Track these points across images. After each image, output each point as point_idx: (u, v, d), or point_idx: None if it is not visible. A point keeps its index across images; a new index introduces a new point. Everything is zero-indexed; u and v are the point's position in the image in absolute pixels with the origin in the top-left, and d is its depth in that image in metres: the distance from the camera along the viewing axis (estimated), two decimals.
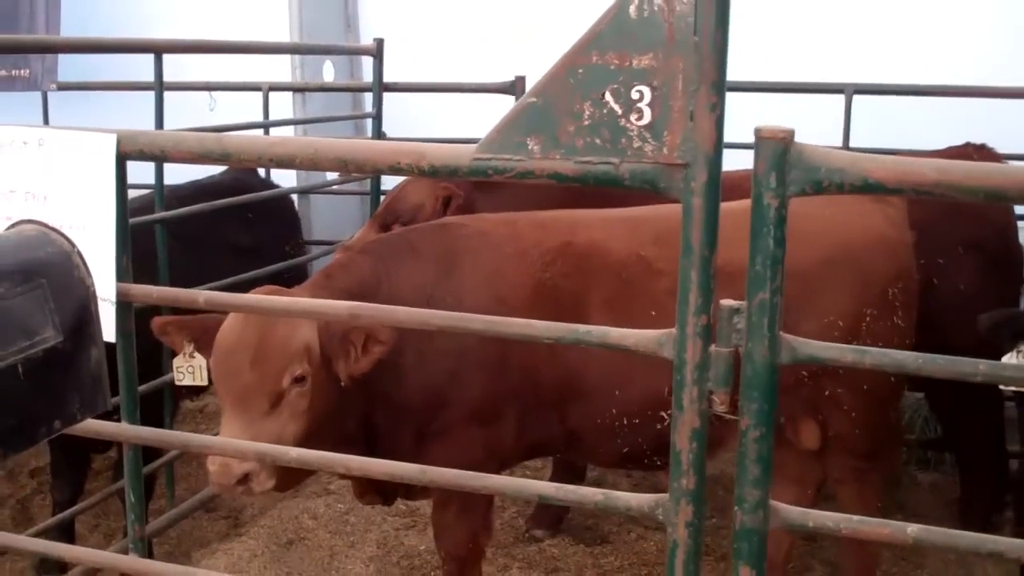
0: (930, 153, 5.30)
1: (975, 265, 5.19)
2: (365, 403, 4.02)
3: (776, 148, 1.90)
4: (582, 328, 2.20)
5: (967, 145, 5.38)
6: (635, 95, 1.95)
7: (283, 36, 8.01)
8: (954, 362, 1.93)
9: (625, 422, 4.14)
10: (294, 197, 7.14)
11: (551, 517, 5.74)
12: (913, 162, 1.86)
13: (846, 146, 5.79)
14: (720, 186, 1.96)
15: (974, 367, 1.92)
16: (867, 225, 4.30)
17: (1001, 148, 5.50)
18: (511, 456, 4.35)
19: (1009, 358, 3.70)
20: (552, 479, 5.66)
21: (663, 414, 3.99)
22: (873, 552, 4.66)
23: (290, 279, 5.45)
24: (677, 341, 2.02)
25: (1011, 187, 1.78)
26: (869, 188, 1.88)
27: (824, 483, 4.65)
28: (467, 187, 5.44)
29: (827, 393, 4.22)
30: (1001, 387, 3.64)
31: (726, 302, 2.02)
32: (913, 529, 2.01)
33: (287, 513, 5.92)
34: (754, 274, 1.95)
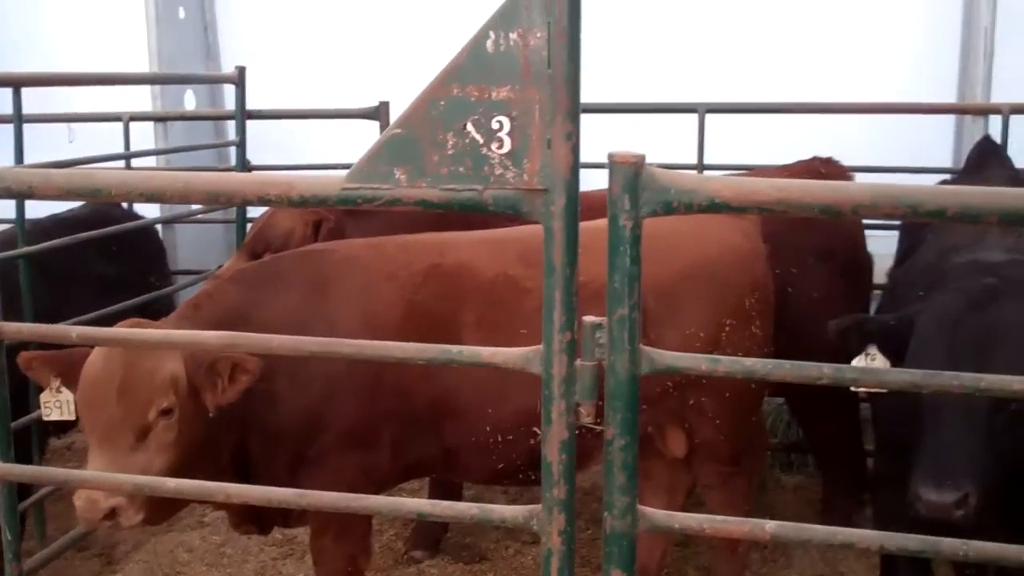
0: (781, 168, 5.55)
1: (826, 273, 5.40)
2: (237, 432, 4.02)
3: (628, 172, 2.02)
4: (454, 348, 2.28)
5: (815, 159, 5.60)
6: (495, 125, 2.05)
7: (143, 66, 7.93)
8: (799, 366, 2.07)
9: (499, 439, 4.22)
10: (159, 227, 7.06)
11: (429, 538, 5.79)
12: (755, 182, 1.99)
13: (700, 163, 5.99)
14: (579, 208, 2.06)
15: (819, 371, 2.05)
16: (723, 239, 4.48)
17: (847, 161, 5.75)
18: (388, 478, 4.39)
19: (858, 361, 3.87)
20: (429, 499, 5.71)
21: (535, 429, 4.08)
22: (743, 554, 4.83)
23: (157, 311, 5.40)
24: (544, 357, 2.12)
25: (843, 203, 1.93)
26: (716, 207, 2.01)
27: (693, 489, 4.81)
28: (337, 212, 5.46)
29: (692, 402, 4.37)
30: (853, 389, 3.81)
31: (588, 318, 2.13)
32: (771, 525, 2.14)
33: (162, 548, 5.85)
34: (613, 291, 2.05)
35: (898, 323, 3.87)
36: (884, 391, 3.74)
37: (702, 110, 6.06)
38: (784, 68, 7.33)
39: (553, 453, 2.16)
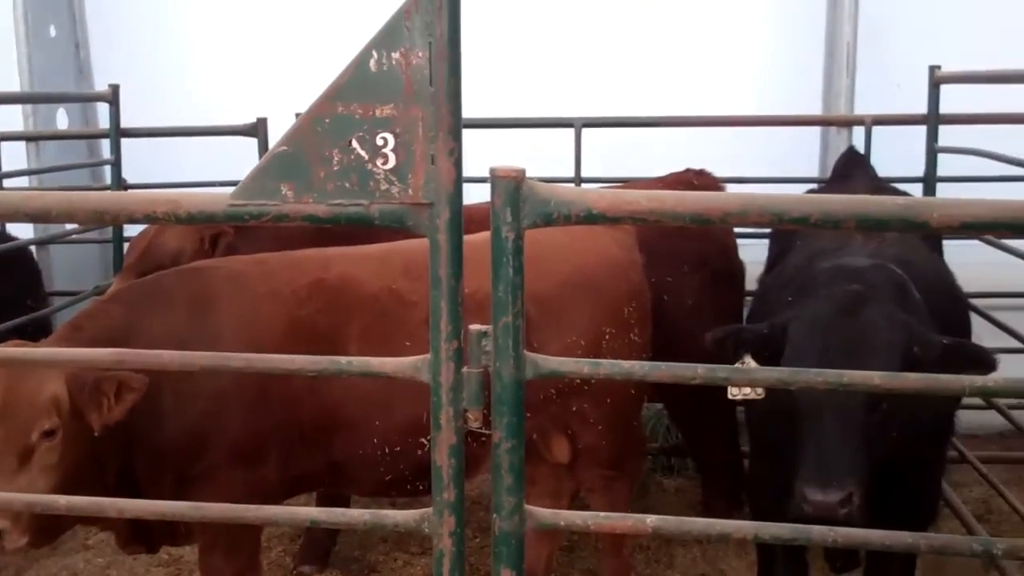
0: (656, 179, 5.72)
1: (701, 281, 5.57)
2: (123, 451, 4.00)
3: (510, 186, 2.10)
4: (344, 359, 2.34)
5: (688, 171, 5.78)
6: (380, 142, 2.12)
7: (13, 84, 7.77)
8: (674, 367, 2.18)
9: (387, 450, 4.27)
10: (32, 248, 6.93)
11: (318, 552, 5.79)
12: (630, 193, 2.10)
13: (578, 176, 6.14)
14: (463, 221, 2.15)
15: (693, 371, 2.17)
16: (601, 250, 4.61)
17: (719, 172, 5.94)
18: (276, 493, 4.40)
19: None
20: None
21: (423, 440, 4.14)
22: (627, 555, 4.96)
23: (34, 332, 5.31)
24: (432, 365, 2.19)
25: (713, 212, 2.05)
26: (593, 219, 2.11)
27: (578, 493, 4.92)
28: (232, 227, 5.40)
29: (574, 409, 4.49)
30: (730, 396, 3.93)
31: (475, 327, 2.21)
32: (652, 519, 2.25)
33: (44, 572, 5.75)
34: (497, 300, 2.14)
35: (771, 331, 4.01)
36: (759, 397, 3.90)
37: (578, 125, 6.20)
38: (658, 83, 7.52)
39: (443, 458, 2.24)
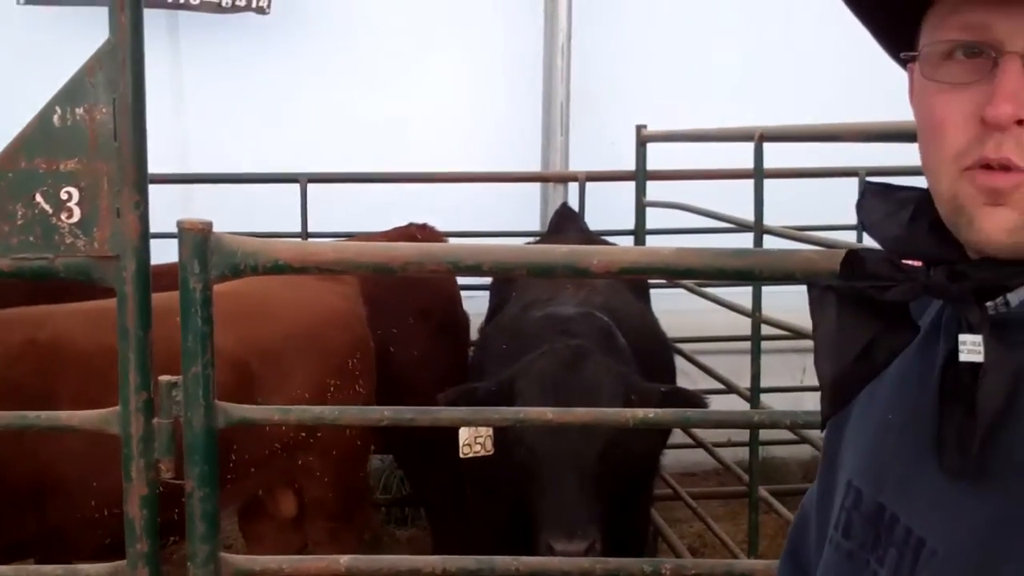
0: (380, 233, 5.83)
1: (426, 332, 5.69)
2: None
3: (197, 238, 2.17)
4: (32, 414, 2.33)
5: (411, 225, 5.91)
6: (64, 196, 2.14)
7: None
8: (363, 410, 2.30)
9: (106, 512, 4.16)
10: None
11: None
12: (314, 245, 2.20)
13: (304, 230, 6.18)
14: (150, 273, 2.19)
15: (380, 413, 2.28)
16: (324, 303, 4.68)
17: (445, 226, 6.11)
18: None
19: (464, 430, 4.03)
20: None
21: None
22: None
23: None
24: (121, 417, 2.21)
25: (394, 261, 2.17)
26: (280, 269, 2.19)
27: (305, 547, 4.93)
28: None
29: (300, 462, 4.51)
30: (462, 454, 3.99)
31: (164, 377, 2.25)
32: (345, 559, 2.33)
33: None
34: (187, 350, 2.19)
35: (499, 388, 4.13)
36: (488, 454, 3.99)
37: (304, 180, 6.26)
38: (389, 139, 7.68)
39: (135, 510, 2.25)
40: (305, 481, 4.56)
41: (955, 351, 1.17)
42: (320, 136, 7.61)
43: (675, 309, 5.98)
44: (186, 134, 7.24)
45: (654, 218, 6.37)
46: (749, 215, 4.69)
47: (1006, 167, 1.12)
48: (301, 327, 4.55)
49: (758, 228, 4.60)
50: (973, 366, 1.14)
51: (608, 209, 6.52)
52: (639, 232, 6.34)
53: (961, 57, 1.16)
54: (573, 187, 6.88)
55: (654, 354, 4.84)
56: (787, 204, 5.13)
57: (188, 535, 2.28)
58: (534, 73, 7.78)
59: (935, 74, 1.18)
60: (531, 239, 6.41)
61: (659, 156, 6.31)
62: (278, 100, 7.72)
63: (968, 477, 1.14)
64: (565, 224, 5.97)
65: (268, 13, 7.41)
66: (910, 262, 1.24)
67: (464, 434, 4.03)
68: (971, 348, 1.15)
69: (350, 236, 6.06)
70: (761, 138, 4.55)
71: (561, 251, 2.17)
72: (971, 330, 1.15)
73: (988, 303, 1.17)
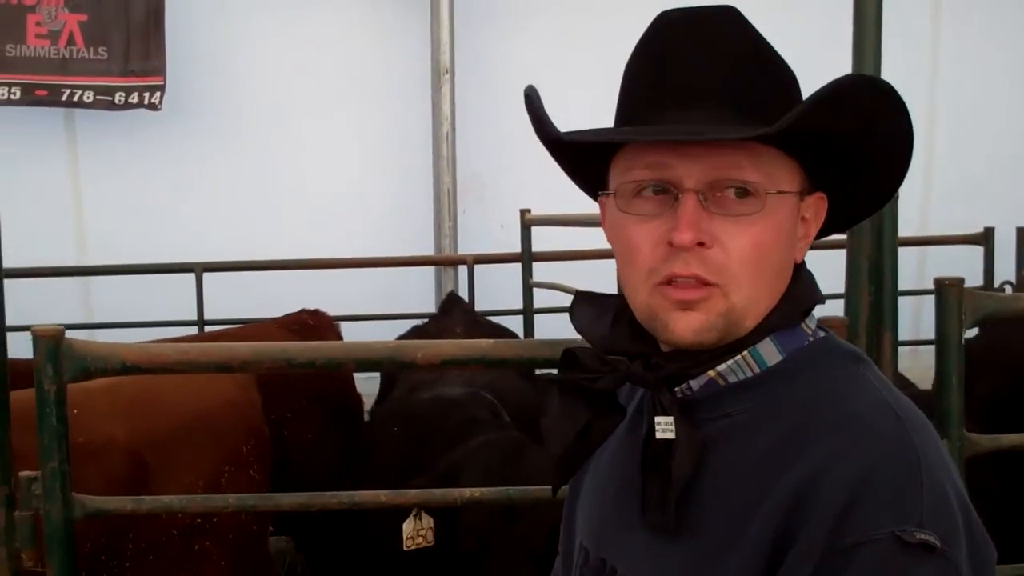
0: (273, 320, 6.01)
1: (320, 416, 5.85)
2: None
3: (50, 343, 2.35)
4: None
5: (303, 311, 6.08)
6: None
7: None
8: (209, 498, 2.47)
9: None
10: None
11: None
12: (159, 347, 2.40)
13: (200, 318, 6.32)
14: (7, 374, 2.36)
15: (225, 501, 2.46)
16: (216, 389, 4.81)
17: (341, 311, 6.29)
18: None
19: (409, 522, 4.03)
20: None
21: None
22: None
23: None
24: None
25: (232, 360, 2.37)
26: (128, 370, 2.38)
27: None
28: None
29: (197, 547, 4.62)
30: (406, 547, 4.02)
31: (24, 473, 2.42)
32: None
33: None
34: (44, 448, 2.36)
35: (441, 483, 4.20)
36: (430, 544, 4.04)
37: (199, 269, 6.41)
38: (286, 228, 7.89)
39: None
40: (202, 566, 4.65)
41: (653, 429, 1.42)
42: (215, 225, 7.79)
43: None
44: (84, 227, 7.40)
45: (544, 297, 6.61)
46: None
47: (700, 281, 1.37)
48: (193, 415, 4.68)
49: None
50: (667, 442, 1.40)
51: (500, 290, 6.77)
52: (527, 312, 6.57)
53: (650, 194, 1.42)
54: (462, 270, 7.11)
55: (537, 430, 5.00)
56: None
57: None
58: (424, 160, 8.07)
59: (628, 207, 1.44)
60: (418, 322, 6.61)
61: (548, 237, 6.57)
62: (172, 191, 7.90)
63: (668, 532, 1.39)
64: (453, 308, 6.19)
65: (160, 109, 7.63)
66: (616, 356, 1.49)
67: (408, 527, 4.08)
68: (665, 427, 1.41)
69: (244, 324, 6.23)
70: None
71: (386, 346, 2.39)
72: (664, 412, 1.41)
73: (677, 388, 1.43)
